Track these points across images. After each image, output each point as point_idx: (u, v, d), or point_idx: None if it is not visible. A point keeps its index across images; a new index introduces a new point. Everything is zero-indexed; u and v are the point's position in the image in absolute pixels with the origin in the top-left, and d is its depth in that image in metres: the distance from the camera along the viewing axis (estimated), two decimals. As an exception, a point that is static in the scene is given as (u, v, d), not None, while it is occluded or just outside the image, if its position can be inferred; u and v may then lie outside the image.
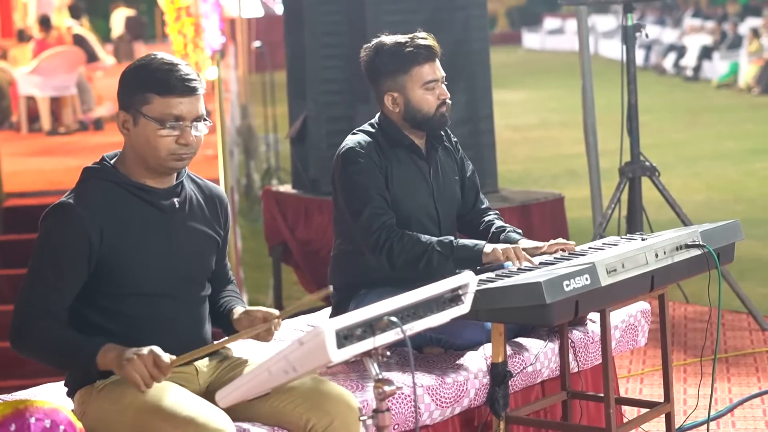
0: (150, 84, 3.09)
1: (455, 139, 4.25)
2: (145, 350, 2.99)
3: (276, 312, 3.19)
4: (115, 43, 22.15)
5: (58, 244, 3.09)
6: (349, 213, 3.97)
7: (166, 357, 2.99)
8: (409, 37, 3.96)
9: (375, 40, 4.02)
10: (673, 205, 6.12)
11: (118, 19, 22.37)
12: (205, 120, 3.15)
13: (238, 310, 3.32)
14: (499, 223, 4.16)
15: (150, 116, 3.10)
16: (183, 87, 3.09)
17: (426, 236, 3.91)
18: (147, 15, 26.18)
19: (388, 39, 3.99)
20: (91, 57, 15.83)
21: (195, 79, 3.12)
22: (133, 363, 2.96)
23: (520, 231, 4.10)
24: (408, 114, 3.99)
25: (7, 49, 15.81)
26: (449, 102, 4.02)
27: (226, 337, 3.18)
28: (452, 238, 3.92)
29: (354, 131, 4.07)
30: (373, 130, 4.04)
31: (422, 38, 3.96)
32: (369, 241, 3.90)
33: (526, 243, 3.95)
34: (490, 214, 4.23)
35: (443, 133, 4.16)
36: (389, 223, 3.91)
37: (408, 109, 3.99)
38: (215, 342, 3.18)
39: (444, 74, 4.01)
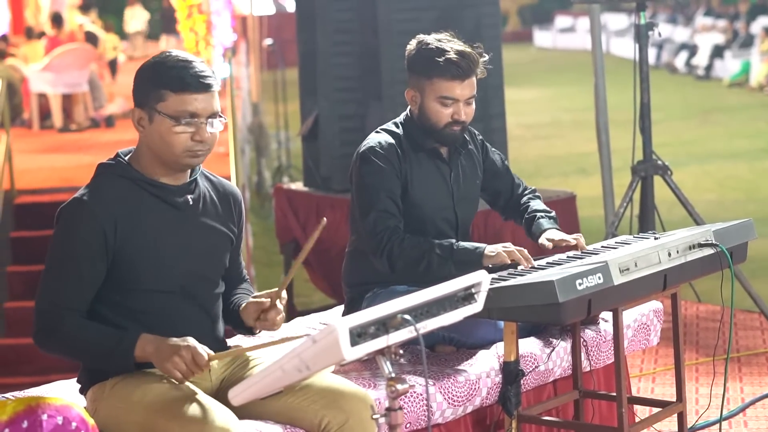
0: (165, 81, 3.09)
1: (480, 137, 4.22)
2: (183, 344, 3.02)
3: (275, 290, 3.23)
4: (130, 39, 22.17)
5: (73, 240, 3.10)
6: (358, 212, 3.96)
7: (204, 353, 3.03)
8: (450, 48, 3.89)
9: (425, 36, 3.98)
10: (685, 203, 6.10)
11: (135, 17, 22.38)
12: (220, 117, 3.15)
13: (245, 302, 3.32)
14: (533, 206, 4.13)
15: (165, 113, 3.09)
16: (198, 84, 3.09)
17: (428, 239, 3.89)
18: (158, 12, 26.20)
19: (433, 41, 3.93)
20: (103, 54, 15.86)
21: (210, 76, 3.12)
22: (172, 361, 3.00)
23: (553, 215, 4.08)
24: (420, 117, 3.98)
25: (19, 46, 15.83)
26: (465, 122, 3.97)
27: (273, 340, 3.21)
28: (453, 240, 3.90)
29: (378, 129, 4.05)
30: (397, 130, 4.02)
31: (461, 56, 3.89)
32: (371, 243, 3.89)
33: (553, 234, 3.94)
34: (527, 194, 4.22)
35: (468, 137, 4.14)
36: (393, 226, 3.88)
37: (421, 112, 3.97)
38: (257, 344, 3.21)
39: (473, 95, 3.95)
